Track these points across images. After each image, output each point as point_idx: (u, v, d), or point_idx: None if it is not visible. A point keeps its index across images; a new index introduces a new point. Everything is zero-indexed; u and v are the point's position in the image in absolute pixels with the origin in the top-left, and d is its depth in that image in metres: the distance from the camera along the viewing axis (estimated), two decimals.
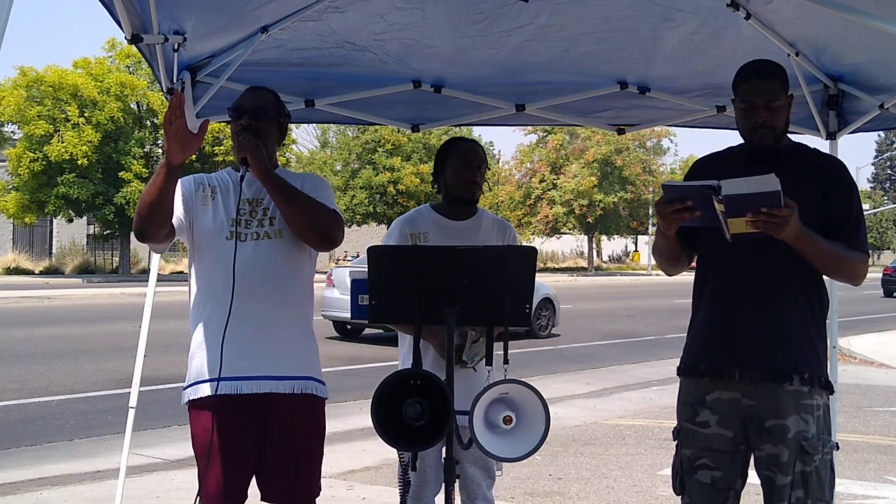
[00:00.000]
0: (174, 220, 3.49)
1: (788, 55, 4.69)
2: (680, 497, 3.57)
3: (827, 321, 3.50)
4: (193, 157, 34.02)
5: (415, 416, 3.16)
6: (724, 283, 3.45)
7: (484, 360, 3.99)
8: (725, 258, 3.39)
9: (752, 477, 3.46)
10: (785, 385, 3.31)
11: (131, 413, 5.20)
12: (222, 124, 33.94)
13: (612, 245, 70.36)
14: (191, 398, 3.55)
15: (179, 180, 3.50)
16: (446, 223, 4.31)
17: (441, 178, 4.32)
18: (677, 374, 3.62)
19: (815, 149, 3.56)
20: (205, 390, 3.51)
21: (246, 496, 3.59)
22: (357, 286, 3.74)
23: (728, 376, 3.38)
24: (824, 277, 3.45)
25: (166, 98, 5.13)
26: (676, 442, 3.57)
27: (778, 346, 3.34)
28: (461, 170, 4.25)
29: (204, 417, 3.51)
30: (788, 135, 3.52)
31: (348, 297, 7.64)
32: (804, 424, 3.31)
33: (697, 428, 3.47)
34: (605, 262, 67.30)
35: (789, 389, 3.31)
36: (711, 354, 3.45)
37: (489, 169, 4.42)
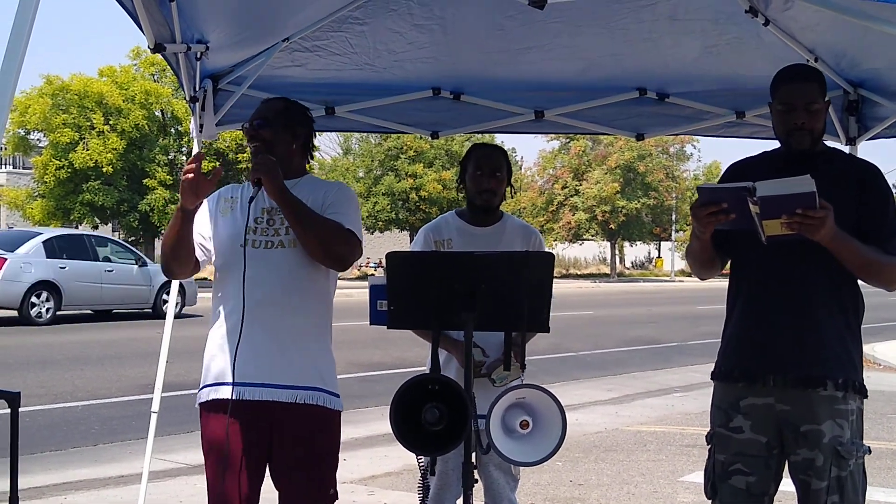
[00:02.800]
0: (197, 248, 3.64)
1: (808, 61, 4.69)
2: (710, 501, 3.56)
3: None
4: (217, 163, 34.15)
5: (433, 421, 3.18)
6: (757, 287, 3.45)
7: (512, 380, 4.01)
8: (759, 262, 3.38)
9: (783, 485, 3.46)
10: (819, 390, 3.31)
11: (154, 418, 5.25)
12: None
13: (635, 251, 70.18)
14: (200, 401, 3.63)
15: (206, 202, 3.66)
16: (469, 229, 4.33)
17: (463, 185, 4.35)
18: (711, 379, 3.60)
19: (850, 154, 3.58)
20: (211, 394, 3.57)
21: (257, 499, 3.61)
22: (375, 292, 3.77)
23: (762, 382, 3.38)
24: (859, 282, 3.43)
25: (190, 107, 5.19)
26: (710, 446, 3.57)
27: (812, 351, 3.33)
28: (480, 177, 4.27)
29: (211, 420, 3.58)
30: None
31: None
32: (839, 430, 3.30)
33: (731, 433, 3.46)
34: (628, 269, 67.03)
35: (823, 395, 3.31)
36: (745, 359, 3.45)
37: (511, 174, 4.43)
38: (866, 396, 3.42)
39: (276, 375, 3.51)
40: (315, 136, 3.85)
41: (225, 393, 3.50)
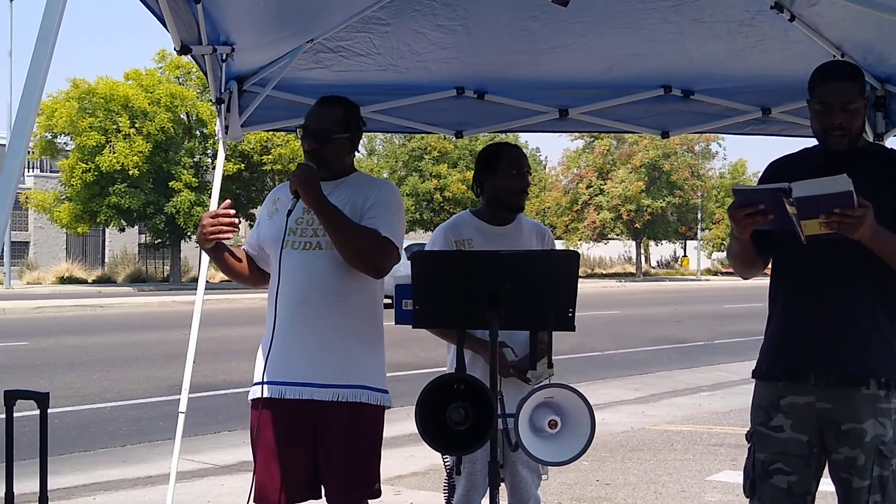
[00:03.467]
0: (254, 255, 3.84)
1: (834, 57, 4.66)
2: (749, 500, 3.55)
3: None
4: (242, 165, 34.29)
5: (458, 421, 3.18)
6: (798, 286, 3.42)
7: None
8: (800, 261, 3.36)
9: (822, 485, 3.44)
10: (861, 389, 3.28)
11: (181, 418, 5.27)
12: (269, 133, 34.10)
13: (661, 250, 69.86)
14: (249, 398, 3.72)
15: (263, 204, 3.87)
16: (489, 229, 4.32)
17: (488, 184, 4.29)
18: (752, 377, 3.58)
19: (891, 149, 3.51)
20: (257, 392, 3.66)
21: (305, 496, 3.67)
22: (401, 291, 3.77)
23: (803, 380, 3.36)
24: None
25: (216, 108, 5.21)
26: (750, 445, 3.55)
27: (853, 349, 3.30)
28: (515, 177, 4.24)
29: (255, 417, 3.64)
30: None
31: None
32: (881, 429, 3.27)
33: (772, 432, 3.44)
34: (654, 268, 66.75)
35: (866, 393, 3.28)
36: (787, 358, 3.42)
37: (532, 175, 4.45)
38: None
39: (315, 375, 3.57)
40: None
41: (268, 391, 3.61)
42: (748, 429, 3.58)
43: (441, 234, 4.32)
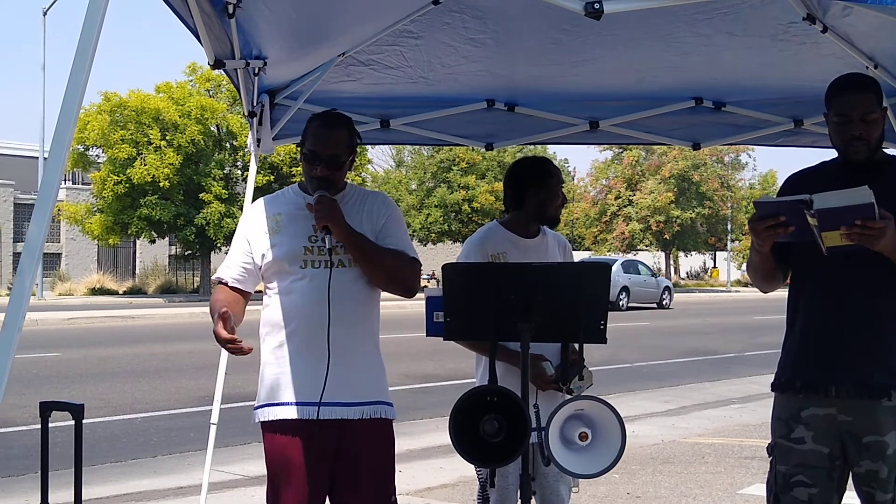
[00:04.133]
0: (240, 271, 3.64)
1: (867, 68, 4.63)
2: None
3: None
4: (271, 177, 34.24)
5: (492, 433, 3.18)
6: (818, 297, 3.41)
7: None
8: (820, 273, 3.35)
9: (847, 497, 3.41)
10: (882, 401, 3.27)
11: (213, 429, 5.30)
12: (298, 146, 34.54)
13: (690, 261, 69.54)
14: (264, 419, 3.59)
15: (242, 227, 3.69)
16: (522, 241, 4.33)
17: (534, 198, 4.30)
18: (772, 390, 3.56)
19: None
20: (279, 413, 3.55)
21: None
22: (432, 303, 3.77)
23: (824, 392, 3.34)
24: None
25: (247, 121, 5.25)
26: (771, 458, 3.53)
27: (875, 361, 3.29)
28: (558, 192, 4.34)
29: (278, 439, 3.56)
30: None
31: None
32: None
33: (793, 444, 3.42)
34: (683, 279, 66.43)
35: (887, 405, 3.27)
36: (807, 370, 3.41)
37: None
38: None
39: (345, 394, 3.51)
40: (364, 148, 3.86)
41: (291, 413, 3.51)
42: (769, 442, 3.57)
43: (476, 248, 4.31)
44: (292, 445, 3.52)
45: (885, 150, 3.53)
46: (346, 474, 3.56)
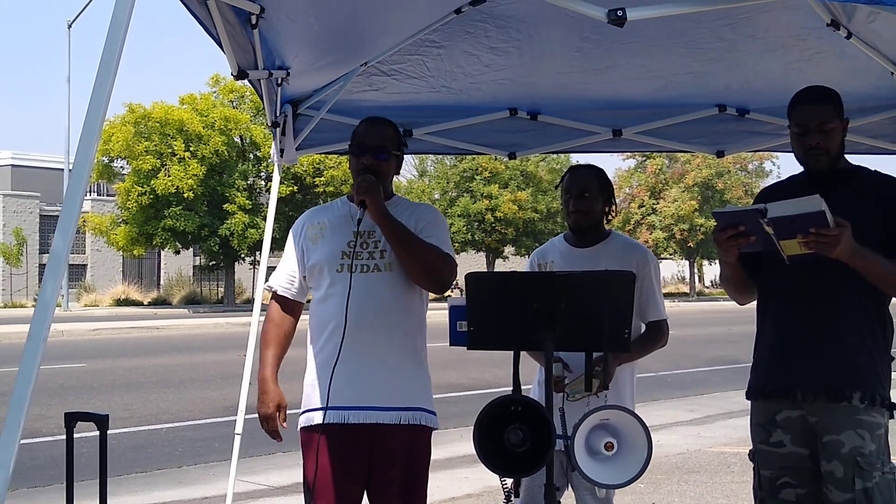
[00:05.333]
0: (295, 285, 3.80)
1: (892, 74, 4.60)
2: None
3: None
4: (295, 188, 34.45)
5: (517, 443, 3.17)
6: (783, 304, 3.51)
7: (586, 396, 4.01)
8: (784, 280, 3.44)
9: None
10: (842, 403, 3.33)
11: (237, 440, 5.30)
12: (322, 155, 34.40)
13: (714, 270, 69.07)
14: (302, 426, 3.68)
15: (291, 235, 3.79)
16: (571, 251, 4.40)
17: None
18: (746, 398, 3.65)
19: (875, 171, 3.57)
20: (315, 418, 3.62)
21: None
22: (455, 312, 3.77)
23: (792, 397, 3.43)
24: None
25: (271, 132, 5.27)
26: (754, 465, 3.60)
27: (836, 365, 3.37)
28: (565, 199, 4.36)
29: (313, 444, 3.61)
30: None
31: None
32: (860, 440, 3.30)
33: (773, 448, 3.50)
34: (708, 288, 66.10)
35: (846, 407, 3.33)
36: (775, 375, 3.50)
37: (608, 193, 4.46)
38: (893, 415, 3.42)
39: (379, 398, 3.57)
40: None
41: (329, 418, 3.56)
42: (750, 449, 3.64)
43: (531, 259, 4.53)
44: (325, 450, 3.58)
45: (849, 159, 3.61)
46: (379, 479, 3.60)
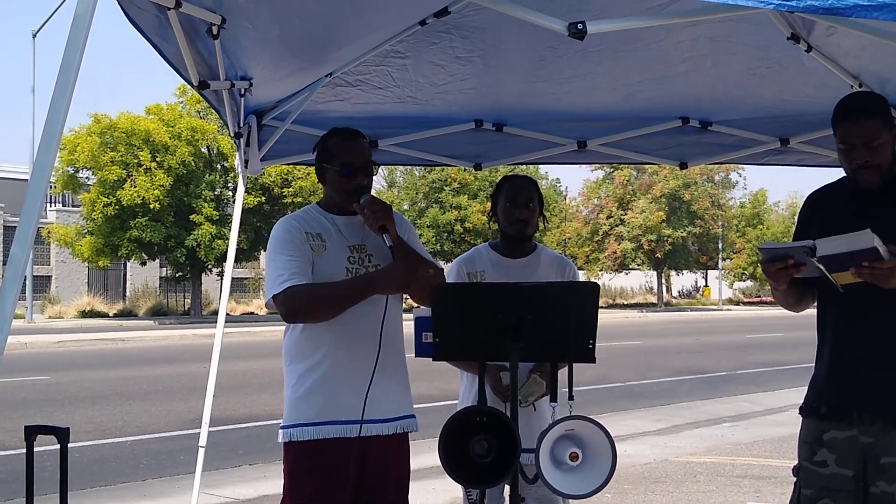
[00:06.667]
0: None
1: (851, 87, 4.64)
2: None
3: None
4: (263, 198, 34.23)
5: (482, 453, 3.17)
6: (841, 324, 3.39)
7: (539, 398, 4.01)
8: (842, 298, 3.29)
9: None
10: None
11: (201, 452, 5.27)
12: (290, 166, 34.37)
13: (682, 280, 69.56)
14: (292, 440, 3.60)
15: (291, 238, 3.60)
16: (503, 261, 4.34)
17: (495, 217, 4.37)
18: (799, 414, 3.55)
19: None
20: (310, 434, 3.57)
21: None
22: (420, 324, 3.77)
23: (846, 419, 3.33)
24: None
25: (235, 142, 5.25)
26: (796, 480, 3.53)
27: (894, 390, 3.27)
28: (507, 208, 4.29)
29: (306, 460, 3.58)
30: None
31: None
32: None
33: (816, 468, 3.41)
34: (675, 298, 66.46)
35: None
36: (829, 397, 3.40)
37: (547, 205, 4.44)
38: None
39: (379, 410, 3.58)
40: None
41: (329, 432, 3.54)
42: (788, 462, 3.56)
43: (455, 267, 4.40)
44: (325, 465, 3.55)
45: None
46: (372, 487, 3.60)
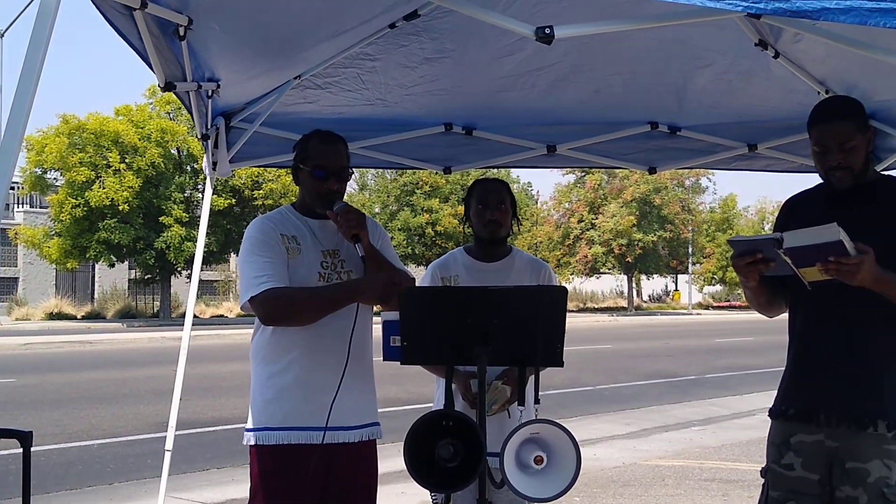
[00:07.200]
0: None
1: (819, 93, 4.68)
2: None
3: None
4: (233, 200, 34.11)
5: (447, 458, 3.16)
6: (810, 325, 3.41)
7: (503, 405, 4.00)
8: (811, 301, 3.32)
9: None
10: (868, 429, 3.26)
11: (167, 456, 5.23)
12: (261, 168, 34.08)
13: (652, 284, 69.91)
14: (257, 443, 3.59)
15: (268, 239, 3.57)
16: (477, 265, 4.32)
17: (468, 221, 4.36)
18: (768, 416, 3.57)
19: None
20: (276, 438, 3.57)
21: None
22: (388, 327, 3.76)
23: (814, 421, 3.35)
24: None
25: (202, 143, 5.22)
26: (764, 482, 3.54)
27: (863, 390, 3.28)
28: (479, 210, 4.27)
29: (270, 464, 3.57)
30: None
31: None
32: (886, 471, 3.23)
33: (784, 471, 3.43)
34: (646, 302, 66.78)
35: (872, 434, 3.25)
36: (797, 398, 3.43)
37: (519, 209, 4.43)
38: None
39: (344, 418, 3.57)
40: None
41: (295, 438, 3.54)
42: (756, 465, 3.57)
43: (430, 272, 4.39)
44: (288, 470, 3.54)
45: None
46: (338, 494, 3.59)
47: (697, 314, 57.50)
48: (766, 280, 3.31)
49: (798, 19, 2.28)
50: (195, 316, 5.50)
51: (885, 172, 5.57)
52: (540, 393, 3.72)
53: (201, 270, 5.61)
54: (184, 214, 36.66)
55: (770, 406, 3.56)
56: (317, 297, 3.51)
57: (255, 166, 5.61)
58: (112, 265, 39.93)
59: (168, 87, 4.04)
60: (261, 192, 37.62)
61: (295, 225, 3.67)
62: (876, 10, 2.18)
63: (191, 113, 4.90)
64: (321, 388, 3.53)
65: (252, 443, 3.60)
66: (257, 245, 3.57)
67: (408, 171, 45.88)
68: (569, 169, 54.87)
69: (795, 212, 3.50)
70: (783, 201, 3.70)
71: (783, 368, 3.54)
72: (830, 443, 3.32)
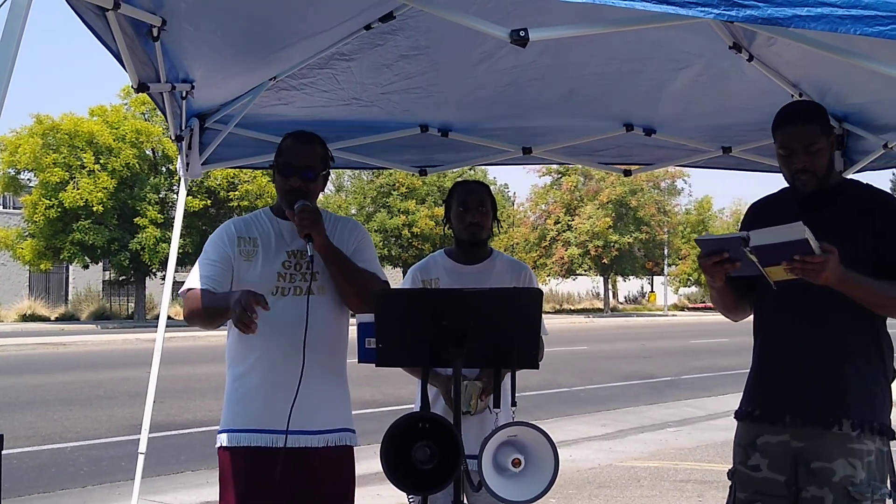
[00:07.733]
0: (223, 287, 3.57)
1: (792, 96, 4.71)
2: None
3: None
4: (209, 201, 33.90)
5: (424, 460, 3.15)
6: (774, 326, 3.44)
7: (479, 400, 4.00)
8: (775, 301, 3.35)
9: None
10: (833, 429, 3.28)
11: (141, 458, 5.21)
12: (237, 170, 33.90)
13: (628, 286, 70.12)
14: (224, 445, 3.59)
15: (219, 240, 3.63)
16: (458, 268, 4.31)
17: (449, 223, 4.35)
18: (734, 417, 3.58)
19: (868, 186, 3.48)
20: (239, 440, 3.56)
21: None
22: (364, 329, 3.74)
23: (780, 421, 3.37)
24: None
25: (175, 144, 5.19)
26: (731, 483, 3.55)
27: (827, 390, 3.30)
28: (460, 213, 4.27)
29: (235, 466, 3.55)
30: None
31: None
32: (851, 469, 3.25)
33: (750, 472, 3.44)
34: (622, 304, 66.96)
35: (837, 433, 3.27)
36: (762, 399, 3.44)
37: (498, 210, 4.41)
38: (892, 438, 3.35)
39: (309, 422, 3.54)
40: None
41: (256, 440, 3.52)
42: (730, 466, 3.58)
43: (410, 275, 4.38)
44: (252, 473, 3.51)
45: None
46: (302, 500, 3.55)
47: (673, 315, 57.73)
48: (733, 282, 3.32)
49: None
50: (169, 318, 5.47)
51: (858, 174, 5.64)
52: (516, 394, 3.73)
53: (176, 272, 5.58)
54: (159, 216, 36.45)
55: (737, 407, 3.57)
56: (204, 304, 3.51)
57: (231, 167, 5.58)
58: (86, 266, 39.66)
59: (141, 87, 4.02)
60: (236, 193, 37.44)
61: (264, 226, 3.68)
62: (847, 17, 2.20)
63: (164, 114, 4.87)
64: (283, 391, 3.49)
65: (219, 444, 3.61)
66: (208, 245, 3.65)
67: (384, 172, 45.89)
68: (545, 171, 55.07)
69: (760, 216, 3.53)
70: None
71: None
72: (796, 443, 3.34)
